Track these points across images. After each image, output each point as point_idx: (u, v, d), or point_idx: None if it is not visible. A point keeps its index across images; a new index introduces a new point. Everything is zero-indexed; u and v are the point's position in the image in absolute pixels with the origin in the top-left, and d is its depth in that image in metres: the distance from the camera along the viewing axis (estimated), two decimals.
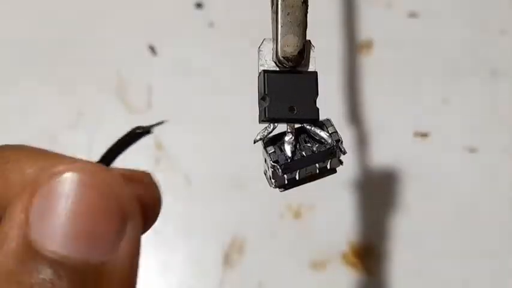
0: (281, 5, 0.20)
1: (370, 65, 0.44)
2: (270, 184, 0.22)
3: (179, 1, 0.45)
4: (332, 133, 0.21)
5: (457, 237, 0.40)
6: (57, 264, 0.13)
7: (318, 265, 0.39)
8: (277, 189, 0.22)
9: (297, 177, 0.21)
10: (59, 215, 0.14)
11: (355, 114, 0.42)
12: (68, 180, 0.14)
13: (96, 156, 0.20)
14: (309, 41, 0.21)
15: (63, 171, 0.14)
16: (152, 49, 0.44)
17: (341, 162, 0.22)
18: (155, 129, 0.21)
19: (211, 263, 0.39)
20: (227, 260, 0.39)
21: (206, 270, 0.39)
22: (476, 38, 0.45)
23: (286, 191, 0.22)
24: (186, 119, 0.42)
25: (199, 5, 0.45)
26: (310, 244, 0.39)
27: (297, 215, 0.40)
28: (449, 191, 0.41)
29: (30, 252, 0.13)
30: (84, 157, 0.16)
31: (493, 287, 0.39)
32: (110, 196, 0.14)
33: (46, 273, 0.13)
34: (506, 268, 0.39)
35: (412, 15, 0.45)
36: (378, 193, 0.41)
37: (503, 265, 0.39)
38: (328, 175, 0.22)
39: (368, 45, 0.44)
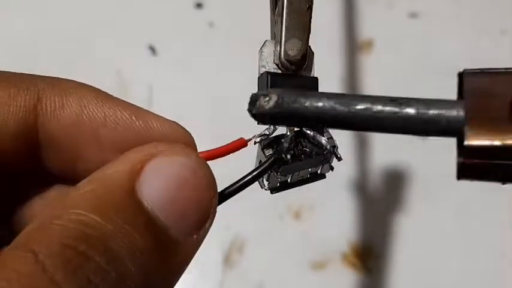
0: (287, 9, 0.20)
1: (370, 64, 0.44)
2: (262, 186, 0.22)
3: (179, 1, 0.45)
4: (329, 139, 0.21)
5: (457, 237, 0.40)
6: (148, 222, 0.14)
7: (318, 265, 0.39)
8: (269, 191, 0.22)
9: (289, 181, 0.21)
10: (169, 185, 0.15)
11: None
12: (187, 163, 0.16)
13: None
14: (310, 46, 0.21)
15: (181, 153, 0.16)
16: (152, 49, 0.44)
17: (332, 168, 0.22)
18: None
19: (211, 263, 0.39)
20: (227, 260, 0.39)
21: (206, 270, 0.39)
22: (476, 38, 0.45)
23: (279, 193, 0.22)
24: (186, 119, 0.42)
25: (199, 5, 0.45)
26: (310, 244, 0.39)
27: (297, 215, 0.40)
28: (449, 191, 0.41)
29: (131, 198, 0.14)
30: None
31: (493, 287, 0.39)
32: (209, 189, 0.16)
33: (137, 225, 0.14)
34: (506, 268, 0.39)
35: (412, 15, 0.45)
36: (378, 194, 0.41)
37: (503, 265, 0.39)
38: (317, 180, 0.22)
39: (368, 45, 0.44)
